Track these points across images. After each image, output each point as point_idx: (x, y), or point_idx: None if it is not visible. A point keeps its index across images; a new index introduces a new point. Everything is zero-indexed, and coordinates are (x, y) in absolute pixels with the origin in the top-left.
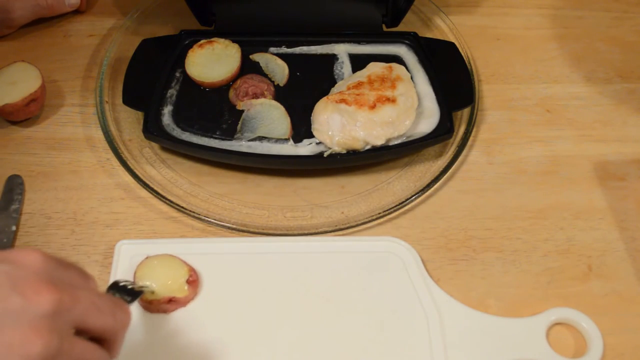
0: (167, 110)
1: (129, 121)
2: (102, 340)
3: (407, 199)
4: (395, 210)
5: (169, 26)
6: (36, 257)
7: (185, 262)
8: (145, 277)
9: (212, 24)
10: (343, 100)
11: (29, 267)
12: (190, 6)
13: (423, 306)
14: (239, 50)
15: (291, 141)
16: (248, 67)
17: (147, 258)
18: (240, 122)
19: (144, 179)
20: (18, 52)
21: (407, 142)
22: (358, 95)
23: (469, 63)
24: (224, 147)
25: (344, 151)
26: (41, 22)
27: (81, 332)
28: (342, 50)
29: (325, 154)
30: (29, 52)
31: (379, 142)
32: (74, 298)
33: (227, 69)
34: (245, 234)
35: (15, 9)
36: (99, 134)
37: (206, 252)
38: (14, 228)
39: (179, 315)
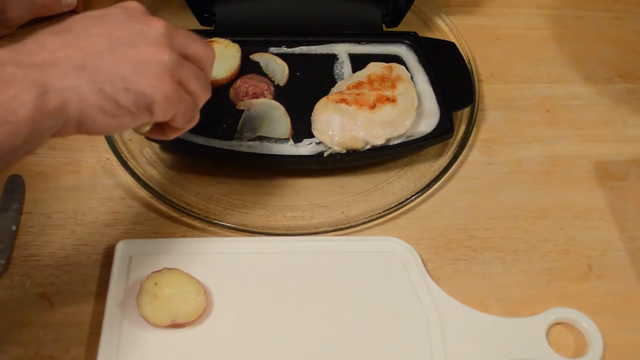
0: None
1: None
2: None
3: (407, 199)
4: (395, 210)
5: None
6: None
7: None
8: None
9: (212, 24)
10: (343, 100)
11: (134, 8)
12: (190, 6)
13: (423, 306)
14: (239, 50)
15: (291, 141)
16: (248, 67)
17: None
18: (240, 122)
19: (144, 179)
20: None
21: (407, 142)
22: (358, 95)
23: (469, 63)
24: (224, 147)
25: (344, 151)
26: (39, 22)
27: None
28: (342, 50)
29: (325, 154)
30: None
31: (379, 142)
32: (176, 28)
33: (227, 69)
34: (245, 234)
35: (11, 9)
36: None
37: (206, 252)
38: (14, 228)
39: None
